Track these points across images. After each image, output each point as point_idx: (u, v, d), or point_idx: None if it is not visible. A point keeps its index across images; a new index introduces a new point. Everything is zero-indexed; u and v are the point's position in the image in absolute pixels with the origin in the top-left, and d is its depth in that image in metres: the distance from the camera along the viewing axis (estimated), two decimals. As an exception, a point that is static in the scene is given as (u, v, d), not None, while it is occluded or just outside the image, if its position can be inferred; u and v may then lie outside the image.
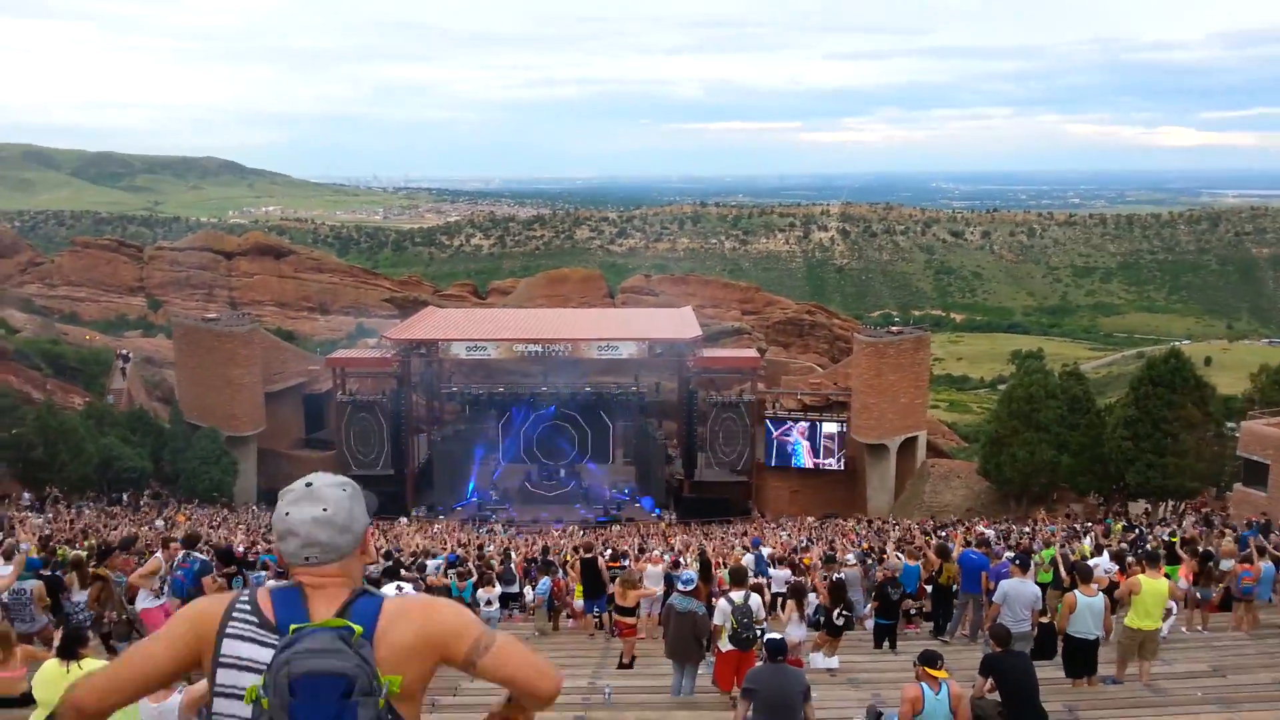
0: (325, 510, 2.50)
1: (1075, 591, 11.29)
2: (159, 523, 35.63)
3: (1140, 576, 11.77)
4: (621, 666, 13.56)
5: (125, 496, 42.26)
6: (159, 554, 12.58)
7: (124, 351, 64.69)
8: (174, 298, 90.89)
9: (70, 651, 7.39)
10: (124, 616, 12.16)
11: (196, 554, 11.57)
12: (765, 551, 20.00)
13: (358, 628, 2.34)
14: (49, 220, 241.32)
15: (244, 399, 50.53)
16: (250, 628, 2.41)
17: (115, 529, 31.19)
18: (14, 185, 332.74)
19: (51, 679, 7.17)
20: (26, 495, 37.97)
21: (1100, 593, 11.54)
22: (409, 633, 2.43)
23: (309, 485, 2.57)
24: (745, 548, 23.50)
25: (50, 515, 33.38)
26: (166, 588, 12.17)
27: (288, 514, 2.52)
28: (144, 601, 12.18)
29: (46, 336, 68.46)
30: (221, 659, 2.40)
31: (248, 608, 2.45)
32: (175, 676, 2.55)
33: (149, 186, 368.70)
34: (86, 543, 22.49)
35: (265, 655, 2.35)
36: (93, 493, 41.29)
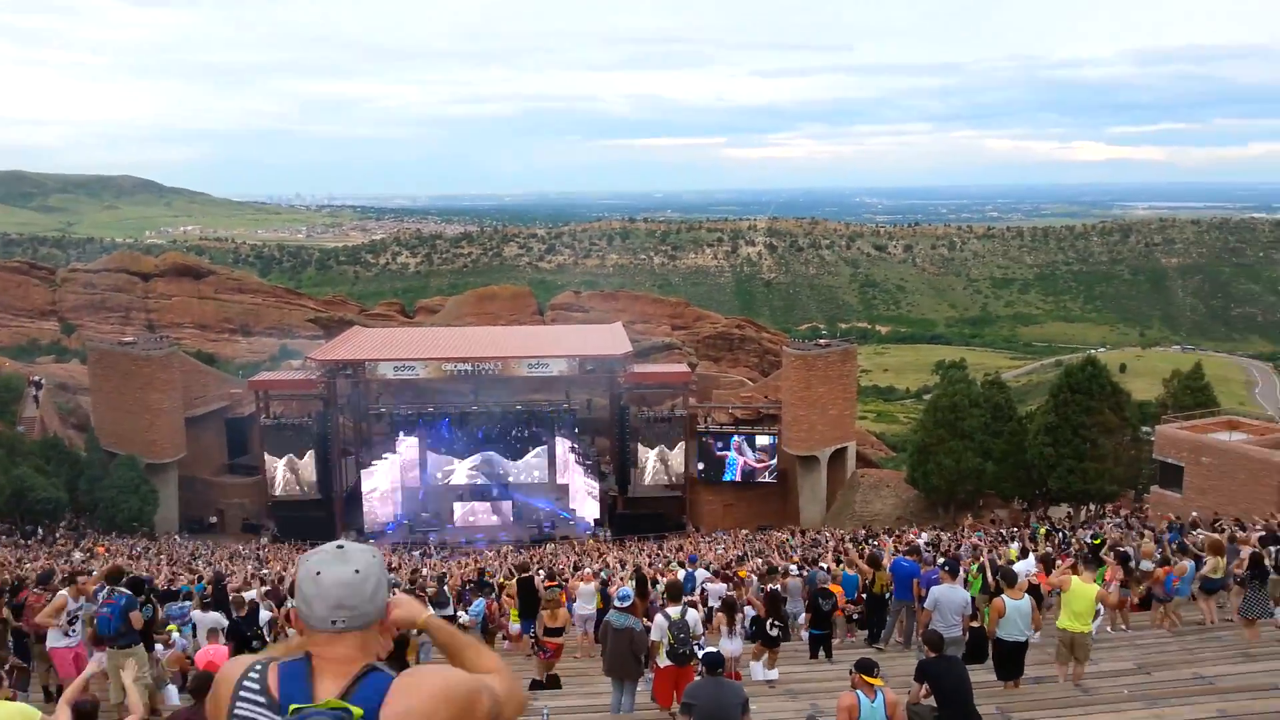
0: (358, 572, 2.40)
1: (1003, 596, 11.50)
2: (76, 555, 34.44)
3: (1072, 577, 12.05)
4: (537, 686, 13.38)
5: (40, 529, 40.76)
6: (64, 591, 12.08)
7: (36, 378, 62.38)
8: (89, 321, 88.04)
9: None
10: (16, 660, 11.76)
11: (121, 589, 11.12)
12: (699, 573, 19.91)
13: (357, 710, 2.26)
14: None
15: (163, 424, 49.12)
16: (256, 707, 2.35)
17: (30, 563, 30.07)
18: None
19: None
20: None
21: (1026, 594, 11.77)
22: (415, 706, 2.32)
23: (340, 548, 2.45)
24: (681, 564, 23.49)
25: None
26: (78, 626, 11.70)
27: (319, 574, 2.39)
28: (54, 640, 11.72)
29: (-48, 363, 65.77)
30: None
31: (256, 685, 2.38)
32: None
33: (62, 206, 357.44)
34: (-3, 577, 21.56)
35: None
36: (4, 525, 39.74)
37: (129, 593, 11.10)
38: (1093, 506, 39.63)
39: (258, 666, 2.42)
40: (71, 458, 47.53)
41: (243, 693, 2.38)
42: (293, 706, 2.29)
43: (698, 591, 17.67)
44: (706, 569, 21.70)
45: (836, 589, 15.86)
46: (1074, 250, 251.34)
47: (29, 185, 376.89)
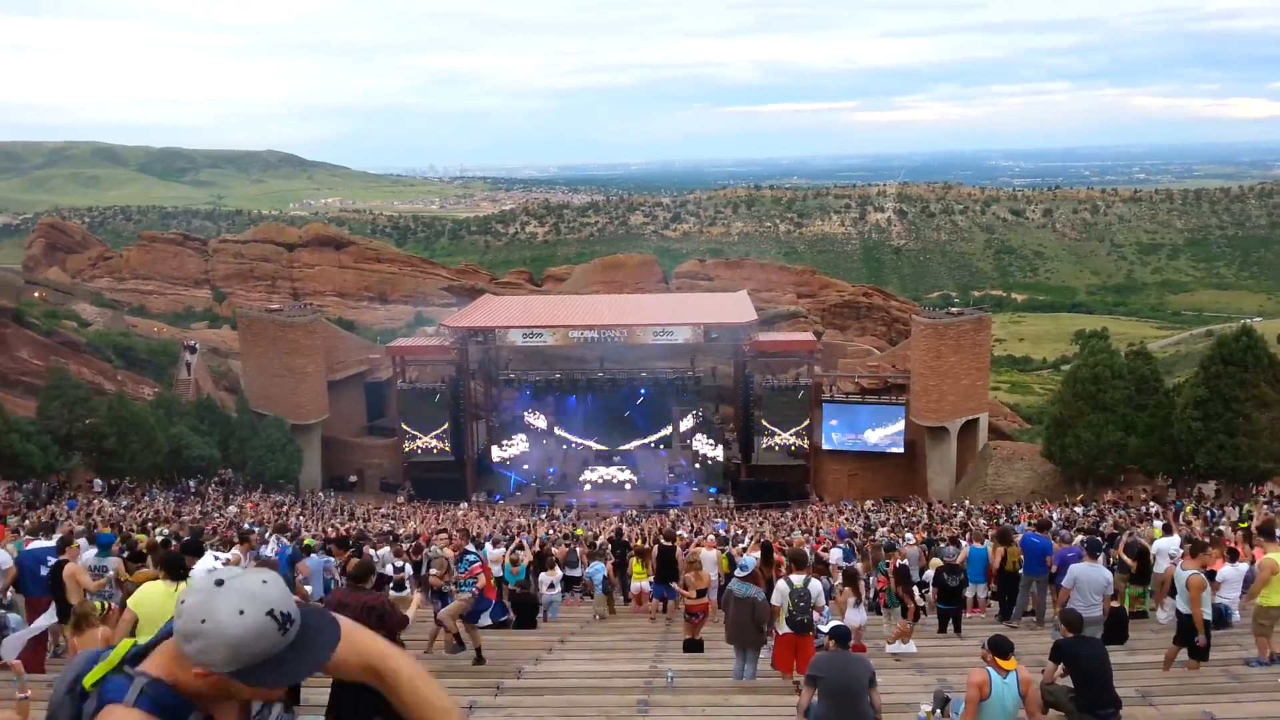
0: (183, 602, 1.99)
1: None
2: (231, 509, 36.50)
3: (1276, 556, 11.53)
4: (691, 647, 13.51)
5: (193, 484, 43.34)
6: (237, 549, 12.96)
7: (191, 343, 66.30)
8: (238, 289, 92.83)
9: (177, 573, 7.57)
10: None
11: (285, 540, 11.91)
12: (835, 554, 19.43)
13: (97, 673, 2.00)
14: (117, 215, 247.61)
15: (307, 388, 51.44)
16: None
17: (187, 516, 32.01)
18: (84, 182, 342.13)
19: (158, 597, 7.33)
20: (97, 482, 39.09)
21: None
22: None
23: (219, 583, 1.98)
24: (809, 533, 23.31)
25: (127, 503, 34.32)
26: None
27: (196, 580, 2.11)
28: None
29: (117, 329, 70.45)
30: None
31: None
32: None
33: (212, 181, 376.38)
34: (157, 530, 23.07)
35: None
36: (161, 481, 42.39)
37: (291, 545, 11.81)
38: (1247, 484, 37.45)
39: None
40: (223, 418, 50.25)
41: None
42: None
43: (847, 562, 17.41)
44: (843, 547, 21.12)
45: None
46: (1229, 214, 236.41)
47: (182, 161, 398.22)
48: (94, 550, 12.07)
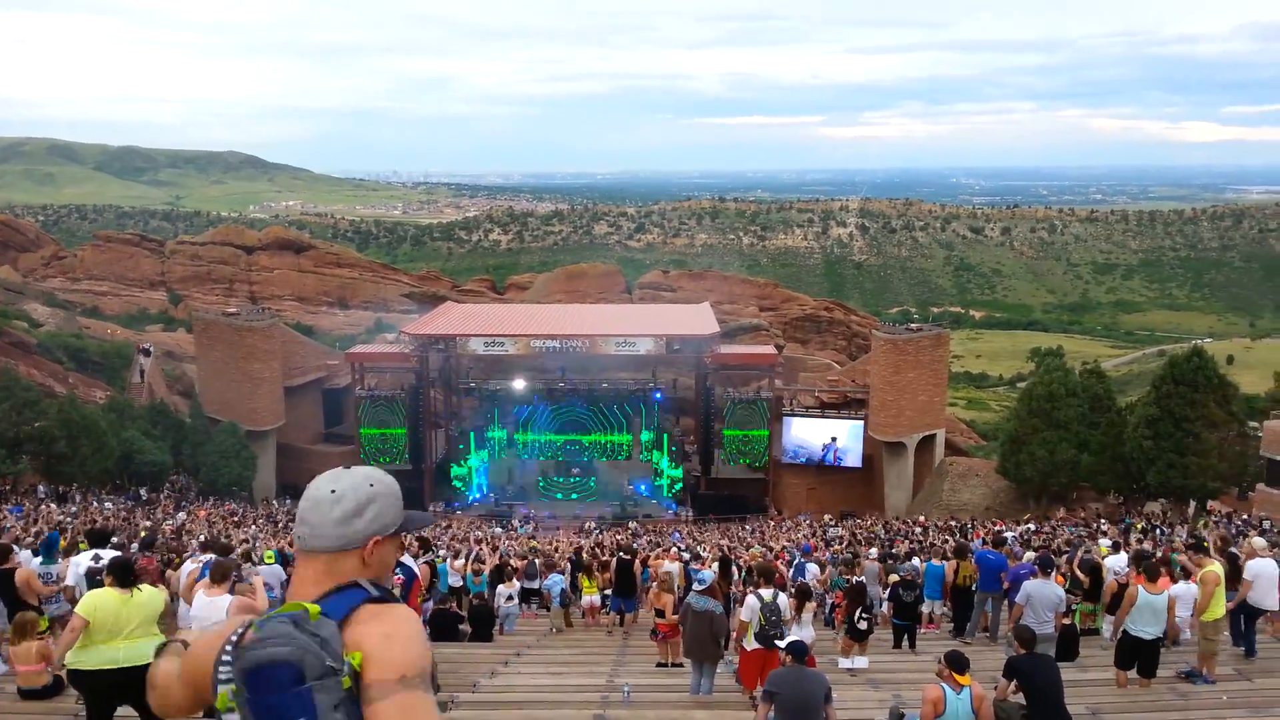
0: (333, 492, 2.34)
1: (1139, 586, 11.15)
2: (180, 516, 35.87)
3: (1215, 568, 11.83)
4: (662, 666, 13.45)
5: (144, 491, 42.57)
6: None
7: (145, 345, 65.16)
8: (195, 292, 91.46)
9: (125, 580, 7.42)
10: None
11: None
12: (810, 566, 19.38)
13: (313, 607, 2.19)
14: (72, 214, 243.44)
15: (264, 393, 50.80)
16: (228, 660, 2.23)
17: (140, 522, 31.42)
18: (38, 179, 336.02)
19: (111, 603, 7.18)
20: (40, 488, 38.11)
21: (1166, 593, 11.40)
22: (395, 634, 2.22)
23: (347, 467, 2.44)
24: (767, 548, 23.35)
25: (75, 509, 33.59)
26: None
27: (311, 485, 2.43)
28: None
29: (69, 330, 69.08)
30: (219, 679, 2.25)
31: (236, 640, 2.25)
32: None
33: (171, 181, 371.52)
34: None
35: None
36: (112, 486, 41.58)
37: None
38: (1194, 503, 38.16)
39: (243, 626, 2.29)
40: (176, 423, 49.45)
41: (228, 646, 2.24)
42: (255, 619, 2.24)
43: (807, 579, 17.37)
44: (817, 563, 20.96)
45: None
46: (1182, 235, 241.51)
47: (140, 160, 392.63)
48: (38, 559, 11.84)
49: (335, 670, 2.12)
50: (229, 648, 2.23)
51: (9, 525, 23.06)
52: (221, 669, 2.21)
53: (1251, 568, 12.83)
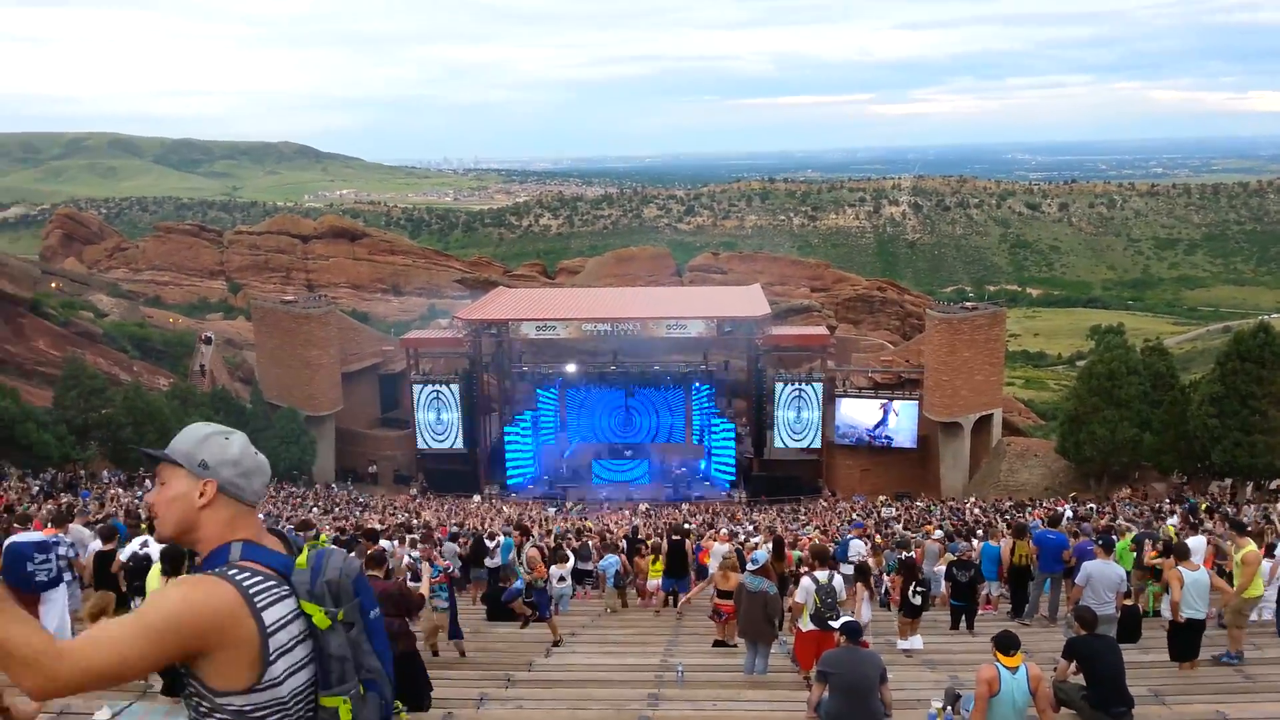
0: (257, 454, 2.63)
1: (1179, 568, 10.98)
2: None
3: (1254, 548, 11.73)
4: (718, 645, 13.49)
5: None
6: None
7: (206, 334, 66.60)
8: (253, 280, 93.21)
9: (175, 569, 7.62)
10: None
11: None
12: (855, 542, 19.20)
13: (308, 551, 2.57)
14: (133, 206, 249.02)
15: (321, 379, 51.62)
16: (271, 590, 2.42)
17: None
18: (100, 173, 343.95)
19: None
20: (105, 473, 39.18)
21: (1202, 568, 11.27)
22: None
23: (226, 437, 2.60)
24: (822, 529, 23.24)
25: (141, 494, 34.48)
26: None
27: (256, 453, 2.61)
28: None
29: (133, 320, 70.84)
30: (270, 629, 2.37)
31: (256, 576, 2.42)
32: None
33: (227, 172, 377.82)
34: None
35: (291, 604, 2.46)
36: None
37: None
38: (1250, 485, 37.17)
39: (234, 571, 2.41)
40: (238, 409, 50.46)
41: (253, 589, 2.37)
42: (305, 547, 2.55)
43: (850, 556, 17.27)
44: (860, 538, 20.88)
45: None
46: (1247, 208, 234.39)
47: (197, 152, 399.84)
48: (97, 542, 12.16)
49: None
50: (270, 579, 2.44)
51: (81, 510, 23.74)
52: (301, 587, 2.47)
53: None
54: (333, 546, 2.54)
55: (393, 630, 7.88)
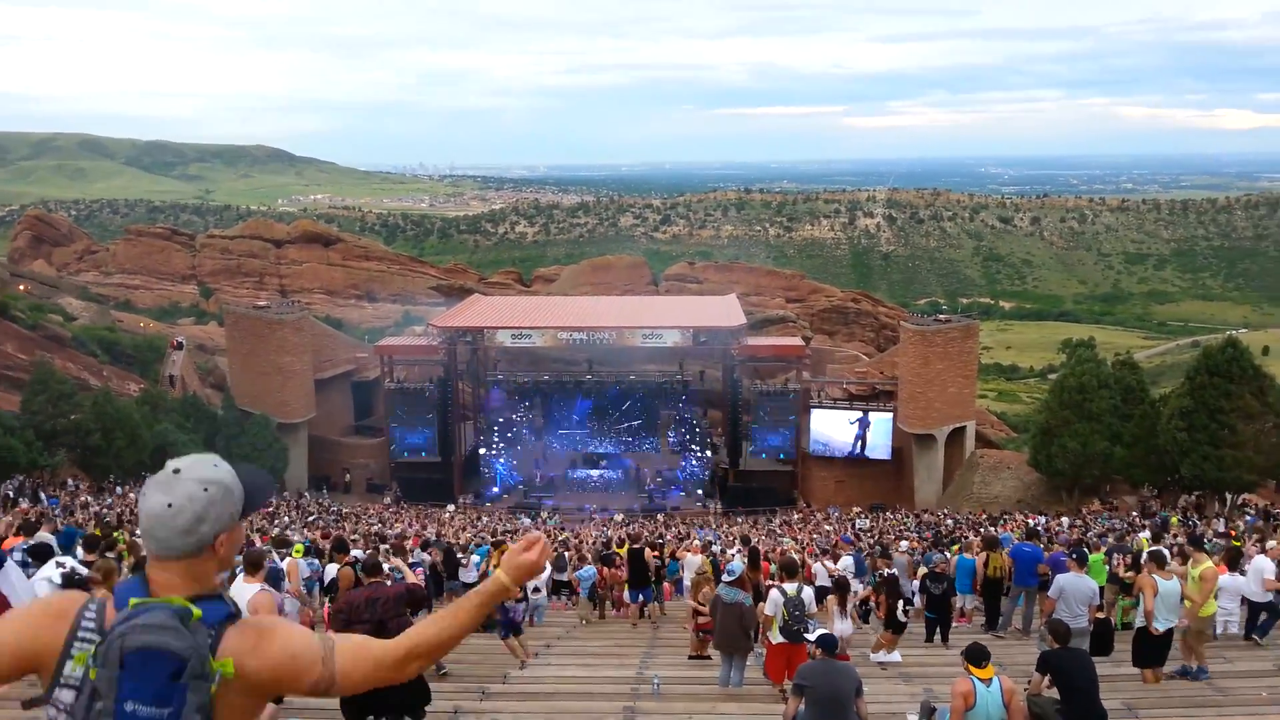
0: (170, 506, 2.31)
1: (1154, 576, 11.07)
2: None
3: (1211, 565, 11.88)
4: (694, 658, 13.45)
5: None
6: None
7: (177, 339, 65.87)
8: (225, 285, 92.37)
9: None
10: None
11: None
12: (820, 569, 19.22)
13: (196, 610, 2.24)
14: (104, 209, 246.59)
15: (294, 386, 51.21)
16: (92, 634, 2.25)
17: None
18: (70, 174, 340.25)
19: None
20: (70, 481, 38.60)
21: (1175, 578, 11.35)
22: (268, 650, 2.32)
23: (176, 472, 2.36)
24: (799, 543, 23.25)
25: (110, 501, 34.06)
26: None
27: (145, 496, 2.36)
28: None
29: (102, 324, 69.95)
30: (74, 652, 2.25)
31: (93, 618, 2.28)
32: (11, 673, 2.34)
33: (200, 175, 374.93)
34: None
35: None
36: (144, 478, 42.04)
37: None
38: (1229, 496, 37.67)
39: (94, 604, 2.32)
40: (209, 415, 49.93)
41: (84, 622, 2.27)
42: (133, 600, 2.25)
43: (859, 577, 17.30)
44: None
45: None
46: (1215, 225, 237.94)
47: (170, 155, 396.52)
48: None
49: (209, 676, 2.22)
50: (90, 616, 2.27)
51: (49, 517, 23.37)
52: (85, 632, 2.25)
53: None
54: (155, 600, 2.24)
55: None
